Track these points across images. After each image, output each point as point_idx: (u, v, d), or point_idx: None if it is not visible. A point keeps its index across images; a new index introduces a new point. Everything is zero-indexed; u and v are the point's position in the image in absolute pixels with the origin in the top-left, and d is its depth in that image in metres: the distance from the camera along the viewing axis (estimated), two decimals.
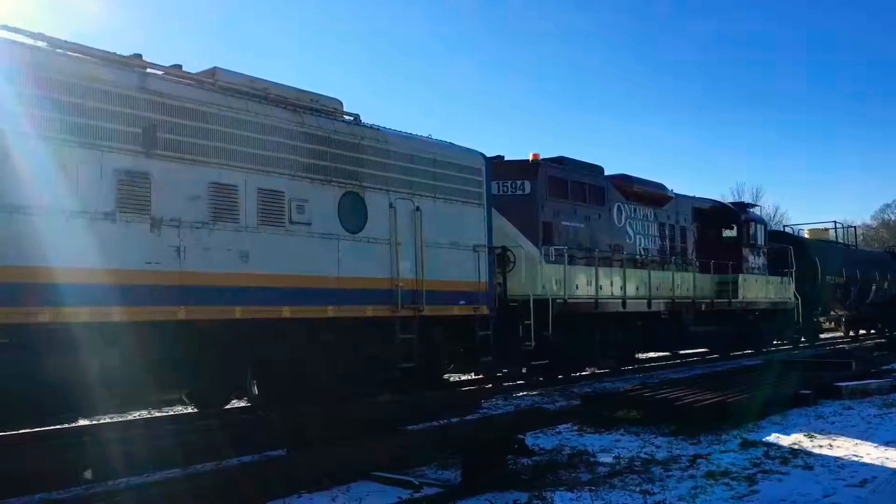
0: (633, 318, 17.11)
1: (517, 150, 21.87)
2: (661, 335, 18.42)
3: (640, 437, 8.52)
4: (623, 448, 7.90)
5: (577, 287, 15.38)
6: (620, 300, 16.48)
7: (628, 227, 18.09)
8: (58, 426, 8.42)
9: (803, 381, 12.26)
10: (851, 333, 35.47)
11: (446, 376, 13.86)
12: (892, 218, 77.23)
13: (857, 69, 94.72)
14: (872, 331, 35.85)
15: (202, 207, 8.92)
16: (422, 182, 12.00)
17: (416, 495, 5.91)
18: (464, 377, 15.17)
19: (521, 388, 13.97)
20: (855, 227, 40.46)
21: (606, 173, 17.63)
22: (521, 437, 6.64)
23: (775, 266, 23.75)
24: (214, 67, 9.90)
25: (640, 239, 18.31)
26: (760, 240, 23.08)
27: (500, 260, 13.91)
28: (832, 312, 31.67)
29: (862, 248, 44.48)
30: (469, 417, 8.10)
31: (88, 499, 4.63)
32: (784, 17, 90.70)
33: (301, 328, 9.90)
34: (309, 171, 10.34)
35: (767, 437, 8.72)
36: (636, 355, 18.75)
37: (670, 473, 6.77)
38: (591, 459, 7.29)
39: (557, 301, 14.53)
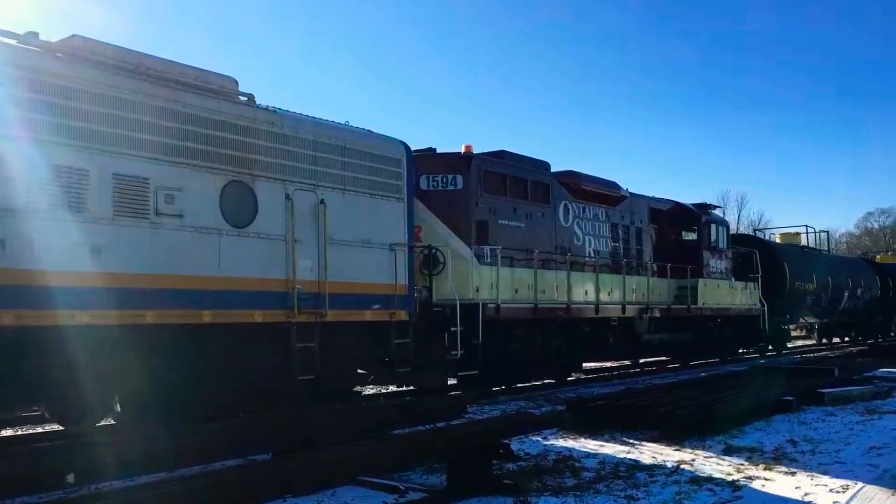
0: (580, 324, 17.38)
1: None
2: (611, 343, 18.43)
3: (625, 443, 8.70)
4: (608, 453, 8.00)
5: (516, 291, 15.41)
6: (564, 305, 16.60)
7: (576, 228, 17.83)
8: (40, 429, 8.14)
9: (787, 387, 12.30)
10: (824, 341, 37.57)
11: (361, 388, 13.75)
12: (875, 226, 77.96)
13: (848, 74, 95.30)
14: (846, 339, 38.21)
15: (39, 194, 8.35)
16: (328, 172, 11.41)
17: (401, 500, 6.14)
18: (384, 389, 15.18)
19: (506, 393, 13.83)
20: (828, 231, 42.44)
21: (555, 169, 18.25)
22: (507, 441, 6.65)
23: (741, 271, 24.99)
24: (73, 35, 9.43)
25: (589, 240, 18.23)
26: (722, 242, 23.67)
27: (428, 261, 13.80)
28: (801, 320, 32.94)
29: (836, 254, 46.88)
30: (455, 422, 8.03)
31: (69, 503, 4.57)
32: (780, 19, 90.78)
33: (169, 335, 9.40)
34: (182, 156, 9.73)
35: (751, 443, 10.44)
36: (584, 364, 19.17)
37: (654, 479, 7.48)
38: (576, 465, 7.98)
39: (489, 306, 14.44)
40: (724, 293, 22.93)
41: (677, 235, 22.22)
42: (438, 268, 13.77)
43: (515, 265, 15.62)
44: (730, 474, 8.24)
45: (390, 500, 6.97)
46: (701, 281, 21.54)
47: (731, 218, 58.53)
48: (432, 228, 14.23)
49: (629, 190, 20.36)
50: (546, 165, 17.53)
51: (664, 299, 20.33)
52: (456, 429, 8.11)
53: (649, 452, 9.39)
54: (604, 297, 17.84)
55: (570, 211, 17.57)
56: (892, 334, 41.94)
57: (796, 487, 7.71)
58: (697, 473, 8.25)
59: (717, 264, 22.79)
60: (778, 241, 33.25)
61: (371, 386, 14.72)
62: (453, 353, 13.01)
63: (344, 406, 10.19)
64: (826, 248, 38.55)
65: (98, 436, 8.29)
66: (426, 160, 14.75)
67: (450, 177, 14.84)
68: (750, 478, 8.10)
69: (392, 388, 15.11)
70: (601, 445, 9.86)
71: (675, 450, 9.57)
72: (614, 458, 9.04)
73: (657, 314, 19.84)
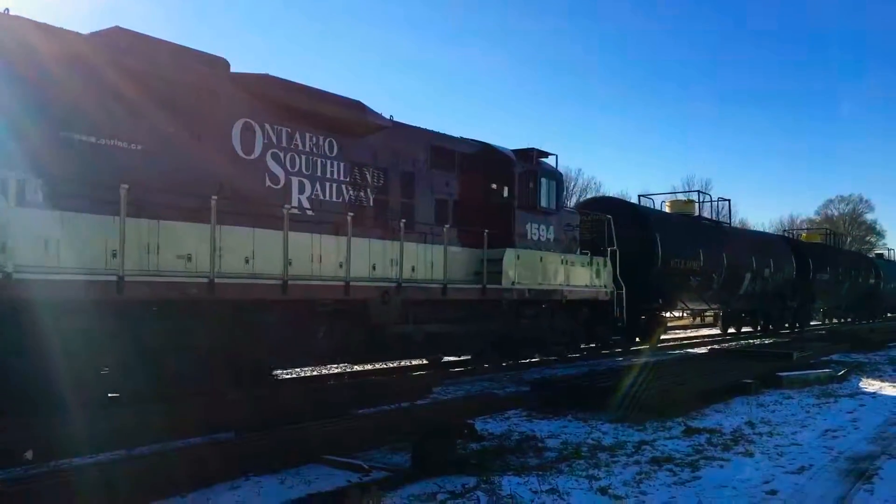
0: (258, 310, 11.06)
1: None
2: (322, 338, 12.13)
3: (588, 424, 8.82)
4: (571, 434, 8.75)
5: (114, 255, 9.21)
6: (207, 279, 10.04)
7: (273, 163, 11.71)
8: None
9: (746, 370, 12.59)
10: (732, 330, 31.94)
11: None
12: (835, 213, 79.75)
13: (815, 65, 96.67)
14: (758, 328, 32.35)
15: None
16: None
17: (365, 479, 6.24)
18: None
19: (470, 373, 13.81)
20: (729, 200, 34.62)
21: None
22: (471, 422, 6.68)
23: (596, 244, 19.46)
24: None
25: (301, 184, 12.11)
26: (549, 201, 17.17)
27: None
28: (682, 305, 26.20)
29: (739, 228, 40.32)
30: (420, 402, 8.08)
31: (27, 480, 4.50)
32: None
33: None
34: None
35: (710, 425, 10.31)
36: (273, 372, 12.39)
37: (616, 459, 7.59)
38: (540, 445, 8.12)
39: None
40: (552, 270, 16.94)
41: (487, 190, 16.06)
42: None
43: (99, 210, 9.21)
44: (689, 455, 8.30)
45: (354, 479, 6.91)
46: (510, 252, 15.64)
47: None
48: None
49: (393, 118, 13.94)
50: (217, 62, 11.21)
51: (445, 275, 13.91)
52: (421, 409, 8.13)
53: (611, 433, 9.44)
54: (311, 268, 11.84)
55: (260, 136, 11.45)
56: (815, 323, 38.19)
57: (754, 468, 7.80)
58: (658, 454, 8.31)
59: (540, 231, 16.70)
60: (667, 210, 27.31)
61: None
62: None
63: (310, 387, 10.13)
64: (727, 221, 32.04)
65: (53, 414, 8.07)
66: None
67: None
68: (709, 459, 8.17)
69: None
70: (564, 426, 9.91)
71: (637, 431, 9.64)
72: (577, 438, 9.08)
73: (421, 296, 13.64)
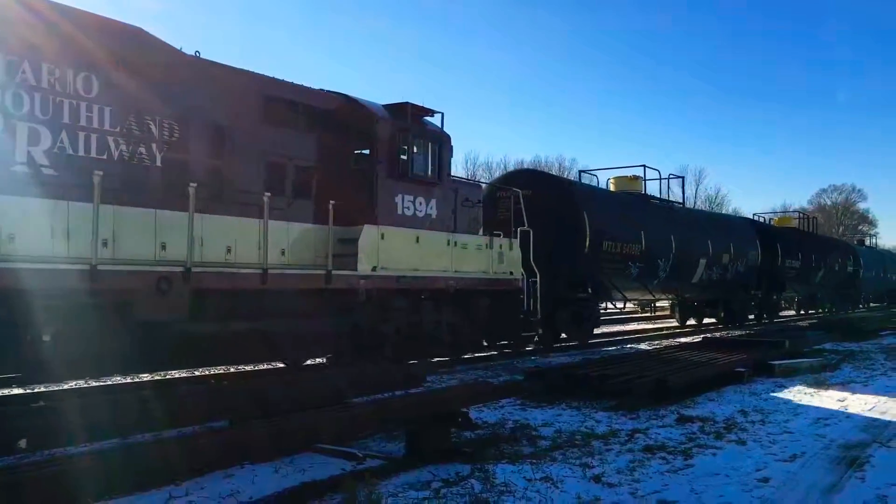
0: None
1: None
2: (53, 345, 8.82)
3: (582, 412, 8.85)
4: (564, 422, 8.87)
5: None
6: None
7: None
8: None
9: (739, 358, 12.62)
10: (692, 322, 29.00)
11: None
12: (828, 202, 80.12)
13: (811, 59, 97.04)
14: (721, 322, 29.29)
15: None
16: None
17: (360, 467, 6.13)
18: None
19: (465, 362, 13.87)
20: (683, 178, 30.05)
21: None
22: (465, 410, 6.68)
23: (507, 225, 16.45)
24: None
25: (34, 132, 8.95)
26: (430, 169, 13.90)
27: None
28: (619, 295, 22.08)
29: (695, 210, 36.39)
30: (414, 391, 8.10)
31: (19, 468, 4.49)
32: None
33: None
34: None
35: (703, 413, 10.33)
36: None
37: (609, 447, 8.15)
38: (533, 433, 8.40)
39: None
40: (433, 253, 13.84)
41: (345, 153, 13.12)
42: None
43: None
44: (682, 443, 8.34)
45: (348, 468, 6.93)
46: (370, 230, 12.59)
47: (688, 193, 40.25)
48: None
49: (200, 53, 10.92)
50: None
51: (266, 258, 10.73)
52: (416, 397, 8.13)
53: (605, 422, 9.50)
54: (51, 246, 8.83)
55: None
56: (788, 313, 36.29)
57: (746, 456, 7.82)
58: (651, 442, 8.34)
59: (417, 205, 13.59)
60: (612, 188, 24.05)
61: None
62: None
63: (306, 375, 10.11)
64: (680, 201, 27.66)
65: (47, 402, 8.07)
66: None
67: None
68: (701, 447, 8.20)
69: None
70: (558, 415, 9.96)
71: (631, 419, 9.69)
72: (570, 427, 9.12)
73: (225, 284, 10.43)
